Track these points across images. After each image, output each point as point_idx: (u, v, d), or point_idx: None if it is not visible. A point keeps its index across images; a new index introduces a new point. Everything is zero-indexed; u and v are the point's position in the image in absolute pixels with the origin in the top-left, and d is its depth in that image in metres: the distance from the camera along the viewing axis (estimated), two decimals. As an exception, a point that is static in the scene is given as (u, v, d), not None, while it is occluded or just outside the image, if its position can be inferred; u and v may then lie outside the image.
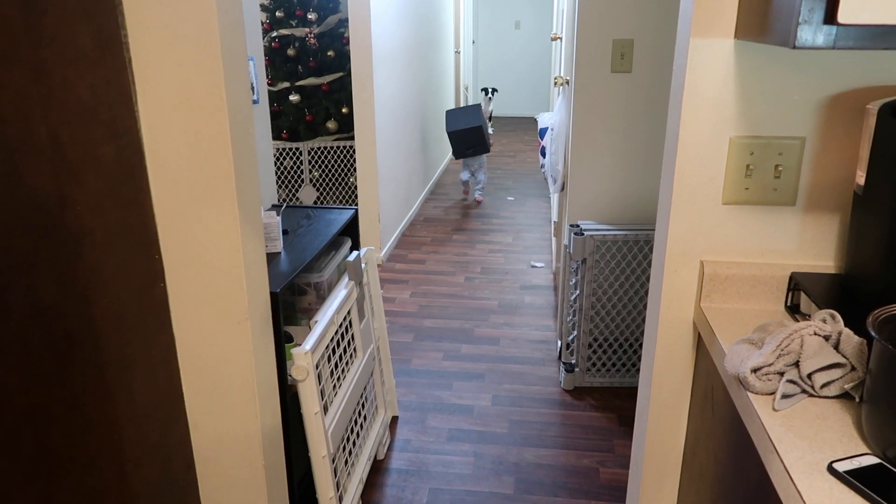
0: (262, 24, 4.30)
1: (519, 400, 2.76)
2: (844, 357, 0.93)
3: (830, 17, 0.83)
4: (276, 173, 4.59)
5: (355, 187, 4.48)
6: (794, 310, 1.20)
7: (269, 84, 4.43)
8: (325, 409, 1.85)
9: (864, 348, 0.92)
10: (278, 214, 1.95)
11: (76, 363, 1.13)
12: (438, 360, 3.10)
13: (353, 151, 4.38)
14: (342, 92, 4.46)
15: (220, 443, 1.48)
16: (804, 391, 0.94)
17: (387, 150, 4.39)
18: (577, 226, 2.68)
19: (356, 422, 2.15)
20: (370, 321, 2.33)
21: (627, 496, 1.64)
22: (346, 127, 4.51)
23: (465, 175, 5.62)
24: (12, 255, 0.98)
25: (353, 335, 2.14)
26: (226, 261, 1.34)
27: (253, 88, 2.25)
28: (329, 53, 4.42)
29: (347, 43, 4.21)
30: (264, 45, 4.11)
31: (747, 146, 1.20)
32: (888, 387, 0.79)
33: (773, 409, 0.92)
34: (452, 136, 5.33)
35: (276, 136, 4.53)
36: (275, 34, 4.42)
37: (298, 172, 4.67)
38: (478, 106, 5.58)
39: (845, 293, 1.15)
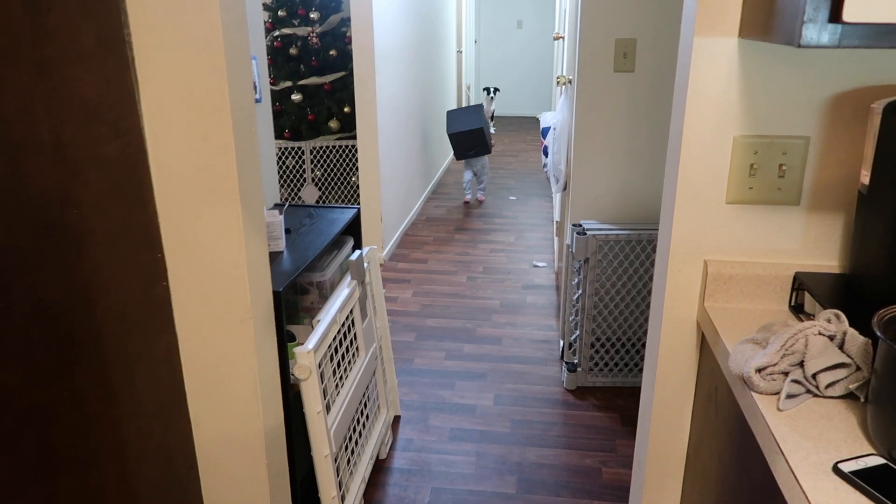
0: (265, 23, 4.30)
1: (521, 399, 2.76)
2: (849, 357, 0.92)
3: (836, 15, 0.82)
4: (279, 172, 4.59)
5: (357, 186, 4.48)
6: (798, 310, 1.20)
7: (271, 83, 4.43)
8: (328, 408, 1.85)
9: (870, 348, 0.91)
10: (281, 213, 1.95)
11: (78, 362, 1.12)
12: (440, 359, 3.10)
13: (356, 151, 4.38)
14: (344, 91, 4.46)
15: (222, 442, 1.48)
16: (809, 391, 0.94)
17: (389, 149, 4.39)
18: (580, 225, 2.68)
19: (358, 421, 2.15)
20: (372, 320, 2.33)
21: (630, 496, 1.63)
22: (349, 126, 4.51)
23: (468, 175, 5.57)
24: (15, 253, 0.98)
25: (355, 334, 2.14)
26: (228, 260, 1.34)
27: (255, 87, 2.24)
28: (331, 53, 4.42)
29: (349, 42, 4.21)
30: (266, 45, 4.12)
31: (751, 145, 1.20)
32: (893, 387, 0.79)
33: (778, 409, 0.92)
34: (453, 137, 5.29)
35: (279, 135, 4.53)
36: (277, 33, 4.42)
37: (300, 172, 4.67)
38: (479, 106, 5.55)
39: (850, 293, 1.14)
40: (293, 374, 1.69)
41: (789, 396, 0.92)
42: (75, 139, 1.09)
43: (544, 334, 3.33)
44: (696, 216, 1.24)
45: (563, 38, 4.22)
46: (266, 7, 4.37)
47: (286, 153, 4.61)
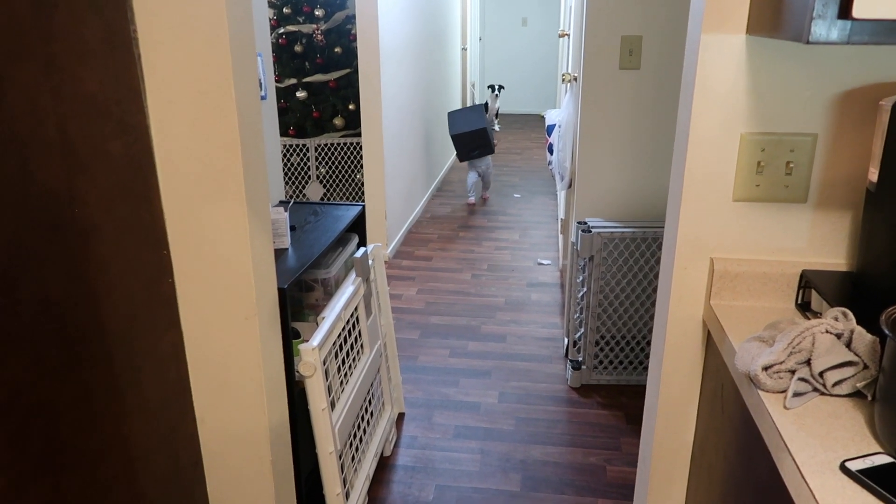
0: (270, 20, 4.30)
1: (525, 397, 2.76)
2: (857, 355, 0.92)
3: (845, 11, 0.82)
4: (283, 170, 4.59)
5: (362, 184, 4.49)
6: (804, 307, 1.20)
7: (276, 80, 4.43)
8: (333, 405, 1.85)
9: (877, 346, 0.91)
10: (286, 210, 1.95)
11: (85, 358, 1.13)
12: (445, 356, 3.10)
13: (360, 148, 4.39)
14: (349, 88, 4.46)
15: (227, 438, 1.48)
16: (816, 389, 0.94)
17: (393, 146, 4.39)
18: (585, 223, 2.67)
19: (363, 418, 2.15)
20: (377, 318, 2.33)
21: (635, 494, 1.63)
22: (353, 123, 4.51)
23: (472, 176, 5.47)
24: (22, 249, 0.98)
25: (360, 332, 2.14)
26: (234, 256, 1.34)
27: (261, 84, 2.24)
28: (336, 50, 4.42)
29: (354, 39, 4.20)
30: (272, 42, 4.12)
31: (758, 143, 1.19)
32: (902, 385, 0.78)
33: (785, 408, 0.91)
34: (456, 139, 5.18)
35: (284, 132, 4.54)
36: (282, 30, 4.42)
37: (305, 169, 4.67)
38: (479, 106, 5.44)
39: (857, 291, 1.14)
40: (298, 371, 1.70)
41: (796, 395, 0.92)
42: (81, 136, 1.09)
43: (549, 332, 3.33)
44: (702, 213, 1.24)
45: (568, 35, 4.21)
46: (271, 4, 4.37)
47: (291, 150, 4.61)
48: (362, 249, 2.18)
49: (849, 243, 1.23)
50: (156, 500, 1.35)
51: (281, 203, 2.32)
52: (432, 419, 2.61)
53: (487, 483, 2.24)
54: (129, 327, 1.24)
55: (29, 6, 0.98)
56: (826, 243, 1.24)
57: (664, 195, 2.70)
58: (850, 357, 0.92)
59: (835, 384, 0.92)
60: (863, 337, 0.92)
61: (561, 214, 4.27)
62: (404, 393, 2.75)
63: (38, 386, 1.02)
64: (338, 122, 4.54)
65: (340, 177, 4.68)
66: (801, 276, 1.21)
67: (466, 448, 2.43)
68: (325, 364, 1.78)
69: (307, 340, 1.71)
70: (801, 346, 0.94)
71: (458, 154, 5.30)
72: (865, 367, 0.92)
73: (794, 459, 0.82)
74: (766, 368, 0.95)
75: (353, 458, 2.02)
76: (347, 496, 1.92)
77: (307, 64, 4.46)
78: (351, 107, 4.49)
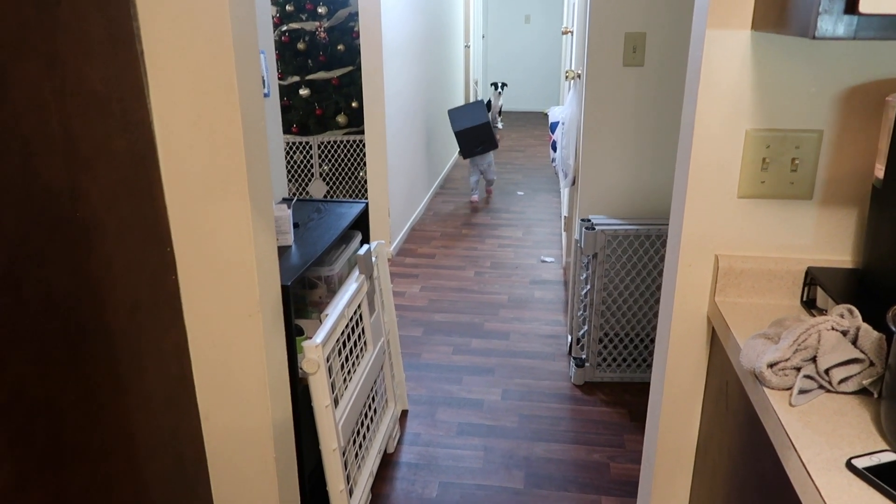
0: (273, 17, 4.30)
1: (529, 394, 2.76)
2: (863, 352, 0.91)
3: (852, 6, 0.81)
4: (287, 167, 4.59)
5: (365, 181, 4.49)
6: (810, 305, 1.19)
7: (279, 78, 4.43)
8: (336, 402, 1.85)
9: (884, 343, 0.91)
10: (289, 208, 1.95)
11: (88, 354, 1.13)
12: (448, 354, 3.10)
13: (363, 146, 4.39)
14: (352, 86, 4.46)
15: (230, 435, 1.48)
16: (821, 387, 0.93)
17: (396, 144, 4.39)
18: (589, 220, 2.67)
19: (366, 415, 2.15)
20: (380, 315, 2.33)
21: (639, 491, 1.63)
22: (356, 121, 4.51)
23: (474, 177, 5.41)
24: (26, 246, 0.98)
25: (363, 329, 2.14)
26: (237, 253, 1.34)
27: (264, 82, 2.24)
28: (339, 47, 4.42)
29: (357, 37, 4.20)
30: (274, 39, 4.12)
31: (764, 139, 1.19)
32: (908, 382, 0.78)
33: (790, 405, 0.91)
34: (460, 135, 5.13)
35: (287, 130, 4.54)
36: (285, 28, 4.42)
37: (308, 166, 4.67)
38: (480, 102, 5.41)
39: (863, 288, 1.13)
40: (301, 368, 1.70)
41: (801, 392, 0.92)
42: (84, 133, 1.09)
43: (552, 329, 3.32)
44: (707, 210, 1.23)
45: (571, 32, 4.20)
46: (274, 2, 4.37)
47: (294, 148, 4.61)
48: (365, 247, 2.18)
49: (854, 240, 1.23)
50: (159, 497, 1.35)
51: (284, 200, 2.32)
52: (435, 416, 2.61)
53: (491, 480, 2.24)
54: (133, 324, 1.24)
55: (32, 2, 0.98)
56: (831, 240, 1.23)
57: (668, 192, 2.69)
58: (856, 354, 0.91)
59: (841, 381, 0.92)
60: (869, 334, 0.92)
61: (564, 212, 4.26)
62: (407, 390, 2.75)
63: (42, 383, 1.02)
64: (341, 119, 4.54)
65: (343, 174, 4.68)
66: (807, 273, 1.20)
67: (470, 445, 2.43)
68: (328, 361, 1.78)
69: (311, 337, 1.72)
70: (806, 344, 0.94)
71: (461, 151, 5.26)
72: (871, 364, 0.91)
73: (799, 457, 0.81)
74: (771, 365, 0.94)
75: (356, 455, 2.02)
76: (351, 493, 1.92)
77: (310, 61, 4.46)
78: (354, 104, 4.49)
